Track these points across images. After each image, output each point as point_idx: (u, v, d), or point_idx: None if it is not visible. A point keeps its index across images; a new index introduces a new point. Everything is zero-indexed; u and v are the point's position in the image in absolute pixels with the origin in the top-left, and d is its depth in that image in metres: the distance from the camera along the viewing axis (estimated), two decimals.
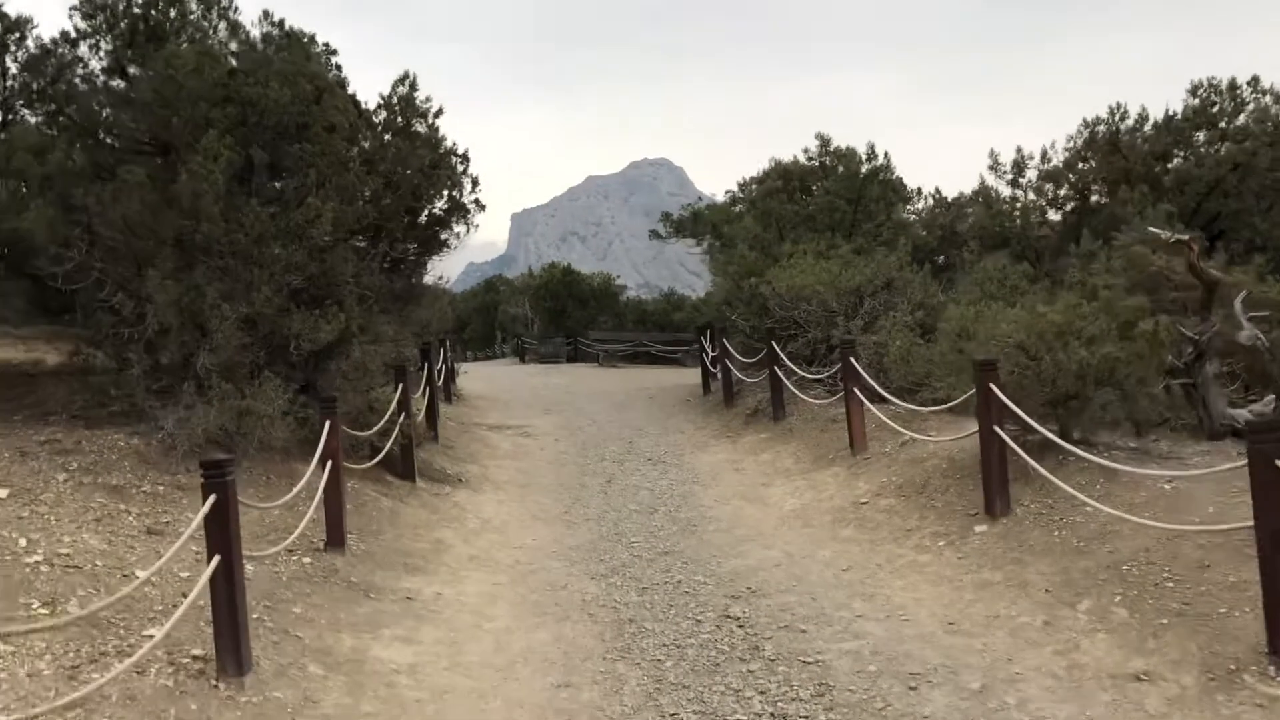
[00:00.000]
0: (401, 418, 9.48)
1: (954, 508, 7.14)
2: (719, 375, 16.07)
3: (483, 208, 10.99)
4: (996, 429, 6.59)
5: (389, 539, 7.79)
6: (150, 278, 7.82)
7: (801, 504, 8.36)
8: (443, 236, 11.19)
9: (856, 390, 8.97)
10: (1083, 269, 8.61)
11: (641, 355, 34.32)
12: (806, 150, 18.86)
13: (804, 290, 12.12)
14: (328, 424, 7.16)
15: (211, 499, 4.67)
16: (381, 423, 8.99)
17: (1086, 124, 14.02)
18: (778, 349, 11.35)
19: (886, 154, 16.41)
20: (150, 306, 8.07)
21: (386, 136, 10.08)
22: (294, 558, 6.78)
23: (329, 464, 7.13)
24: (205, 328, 8.20)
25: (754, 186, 19.38)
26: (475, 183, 10.95)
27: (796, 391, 11.36)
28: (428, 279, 13.97)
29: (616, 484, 10.26)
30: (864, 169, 16.31)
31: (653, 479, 10.35)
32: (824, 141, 18.70)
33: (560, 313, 38.40)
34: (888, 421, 8.75)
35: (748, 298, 13.89)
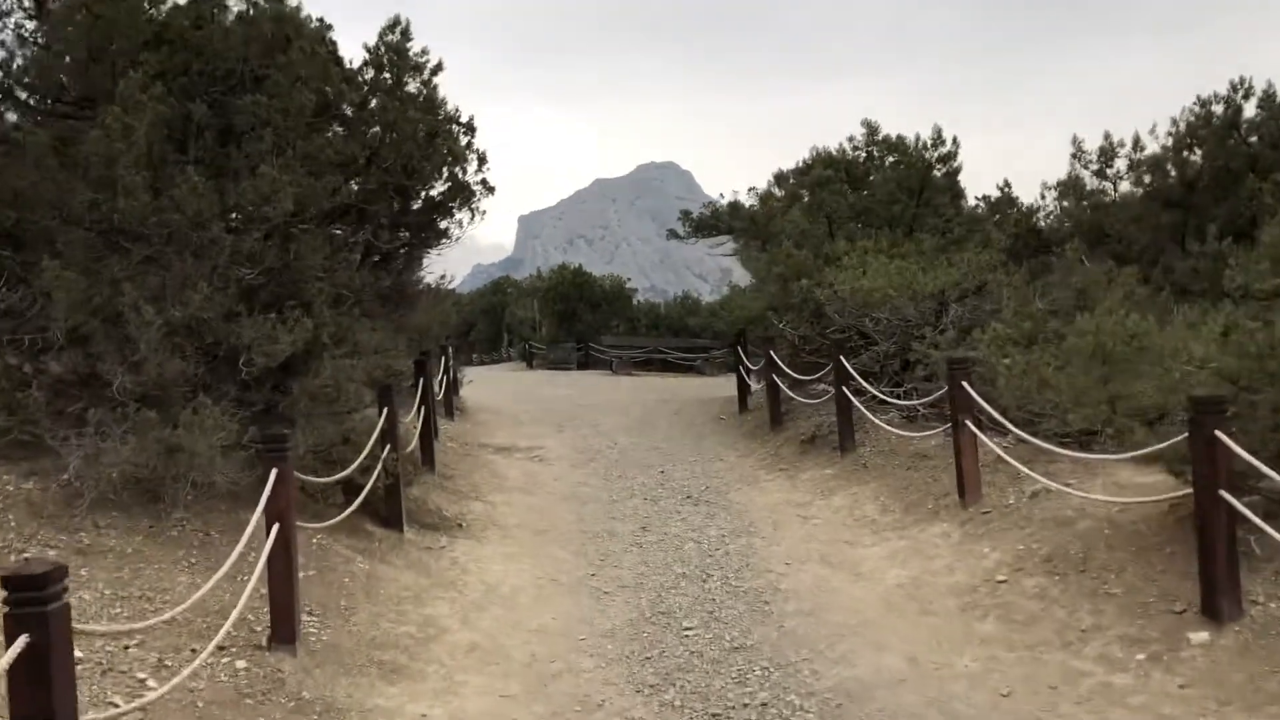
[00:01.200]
0: (386, 450, 7.51)
1: (1143, 599, 5.13)
2: (758, 390, 14.07)
3: (491, 190, 9.03)
4: (1225, 495, 4.60)
5: (363, 620, 5.81)
6: (47, 269, 5.85)
7: (909, 576, 6.35)
8: (442, 225, 9.23)
9: (969, 423, 6.97)
10: (1248, 271, 6.64)
11: (655, 362, 32.31)
12: (852, 139, 16.87)
13: (873, 295, 10.11)
14: (274, 471, 5.16)
15: (21, 641, 2.70)
16: (360, 458, 7.02)
17: (1201, 102, 11.99)
18: (847, 364, 9.34)
19: (955, 139, 14.39)
20: (53, 307, 6.12)
21: (373, 101, 8.10)
22: (224, 661, 4.82)
23: (276, 527, 5.15)
24: (128, 335, 6.25)
25: (792, 179, 17.39)
26: (482, 160, 8.99)
27: (869, 414, 9.37)
28: (427, 277, 12.05)
29: (653, 532, 8.27)
30: (929, 155, 14.29)
31: (697, 525, 8.36)
32: (871, 129, 16.70)
33: (570, 316, 36.38)
34: (1016, 464, 6.74)
35: (798, 303, 11.89)
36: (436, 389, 14.17)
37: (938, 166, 14.30)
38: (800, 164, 16.98)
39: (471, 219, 8.99)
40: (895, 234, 13.07)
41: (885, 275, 10.12)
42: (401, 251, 9.00)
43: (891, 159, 16.18)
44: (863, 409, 9.24)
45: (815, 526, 7.91)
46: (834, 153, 16.21)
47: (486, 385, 22.88)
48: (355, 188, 7.25)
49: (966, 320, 9.66)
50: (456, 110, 8.66)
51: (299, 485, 5.82)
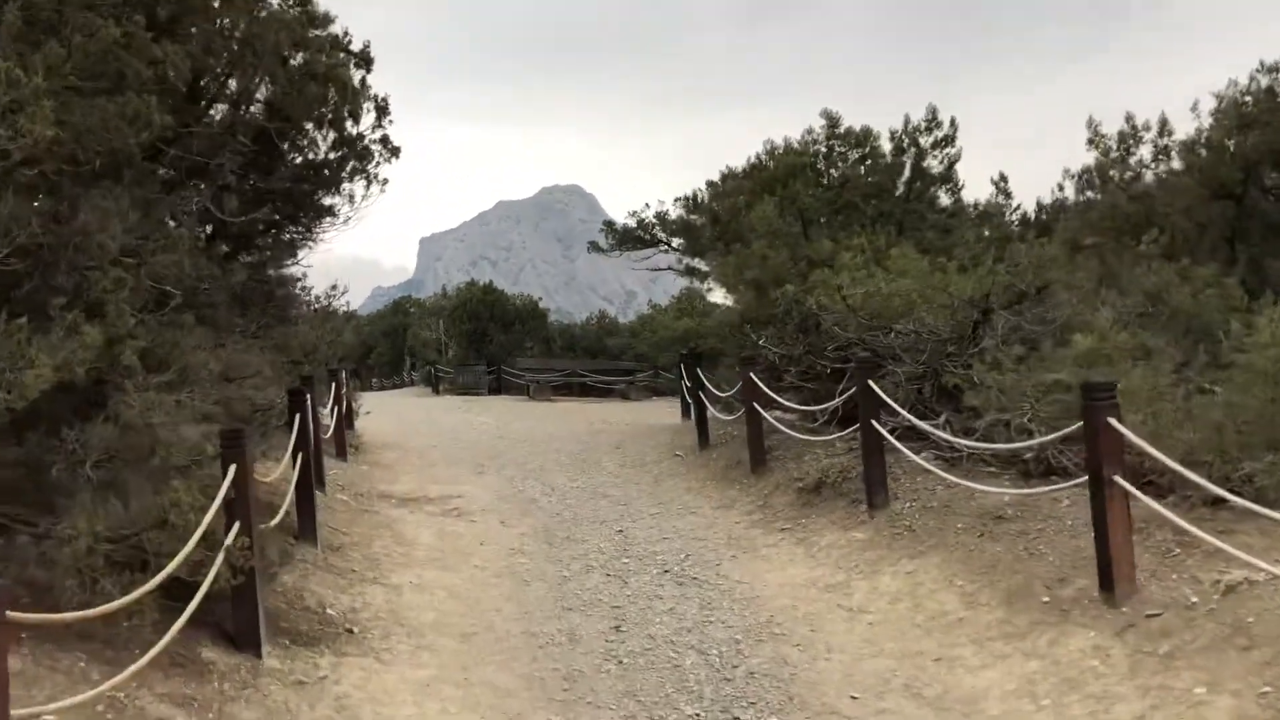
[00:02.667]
0: (234, 531, 4.86)
1: None
2: (720, 423, 11.70)
3: (395, 153, 6.50)
4: None
5: None
6: None
7: None
8: (326, 201, 6.61)
9: (1118, 478, 4.67)
10: None
11: (574, 386, 29.73)
12: (810, 132, 14.74)
13: (890, 302, 7.86)
14: None
15: None
16: (186, 549, 4.38)
17: (1264, 65, 10.12)
18: (879, 391, 7.00)
19: (953, 121, 12.33)
20: None
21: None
22: None
23: None
24: None
25: (744, 176, 15.17)
26: (383, 109, 6.43)
27: (911, 455, 7.05)
28: (309, 280, 9.43)
29: (631, 634, 5.78)
30: (924, 141, 12.20)
31: (693, 622, 5.90)
32: (831, 121, 14.61)
33: (481, 337, 33.50)
34: (1203, 536, 4.47)
35: (780, 314, 9.58)
36: (326, 423, 11.46)
37: (932, 154, 12.26)
38: (756, 159, 14.76)
39: (368, 190, 6.41)
40: (884, 231, 10.89)
41: (915, 277, 7.87)
42: (266, 235, 6.36)
43: (857, 153, 14.11)
44: (912, 454, 6.88)
45: (872, 626, 5.52)
46: (795, 145, 14.04)
47: (388, 415, 20.04)
48: (173, 120, 4.62)
49: (1021, 332, 7.45)
50: (347, 35, 6.12)
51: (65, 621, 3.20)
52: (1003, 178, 12.87)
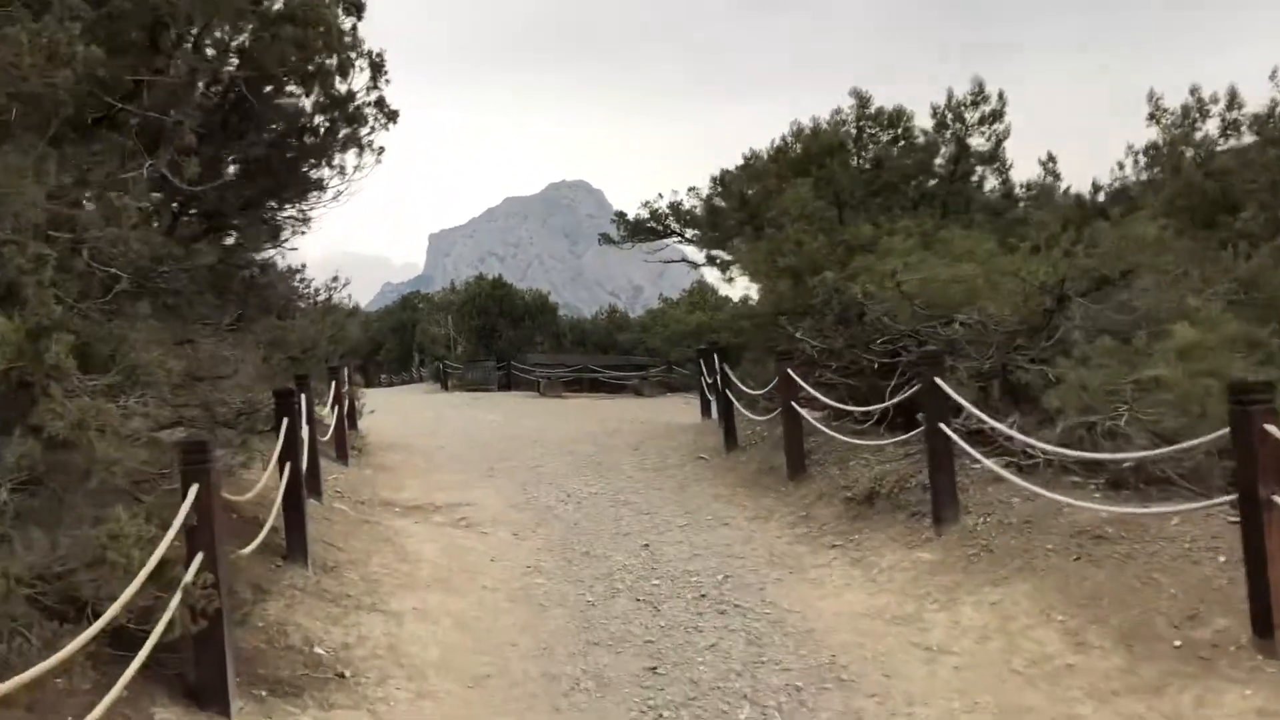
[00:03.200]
0: (195, 566, 4.01)
1: None
2: (747, 422, 10.83)
3: (392, 117, 5.63)
4: None
5: None
6: None
7: None
8: (313, 173, 5.75)
9: None
10: None
11: (585, 382, 28.87)
12: (838, 112, 13.84)
13: (950, 290, 6.97)
14: None
15: None
16: (129, 591, 3.54)
17: None
18: (949, 390, 6.11)
19: (1001, 95, 11.38)
20: None
21: None
22: None
23: None
24: None
25: (769, 158, 14.27)
26: (378, 67, 5.57)
27: (984, 461, 6.17)
28: (308, 273, 8.65)
29: (671, 677, 4.92)
30: (970, 116, 11.29)
31: (741, 662, 5.03)
32: (861, 101, 13.70)
33: (490, 332, 32.66)
34: None
35: (819, 304, 8.70)
36: (326, 424, 10.64)
37: (978, 130, 11.34)
38: (782, 141, 13.85)
39: (361, 160, 5.54)
40: (928, 214, 10.00)
41: (981, 260, 6.98)
42: (244, 212, 5.50)
43: (888, 134, 13.21)
44: (985, 460, 6.00)
45: (959, 672, 4.64)
46: (825, 126, 13.14)
47: (395, 413, 19.24)
48: (104, 55, 3.75)
49: (1099, 322, 6.55)
50: None
51: None
52: (1051, 158, 11.95)
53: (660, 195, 25.19)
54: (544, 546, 7.74)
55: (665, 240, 26.06)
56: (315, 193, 6.34)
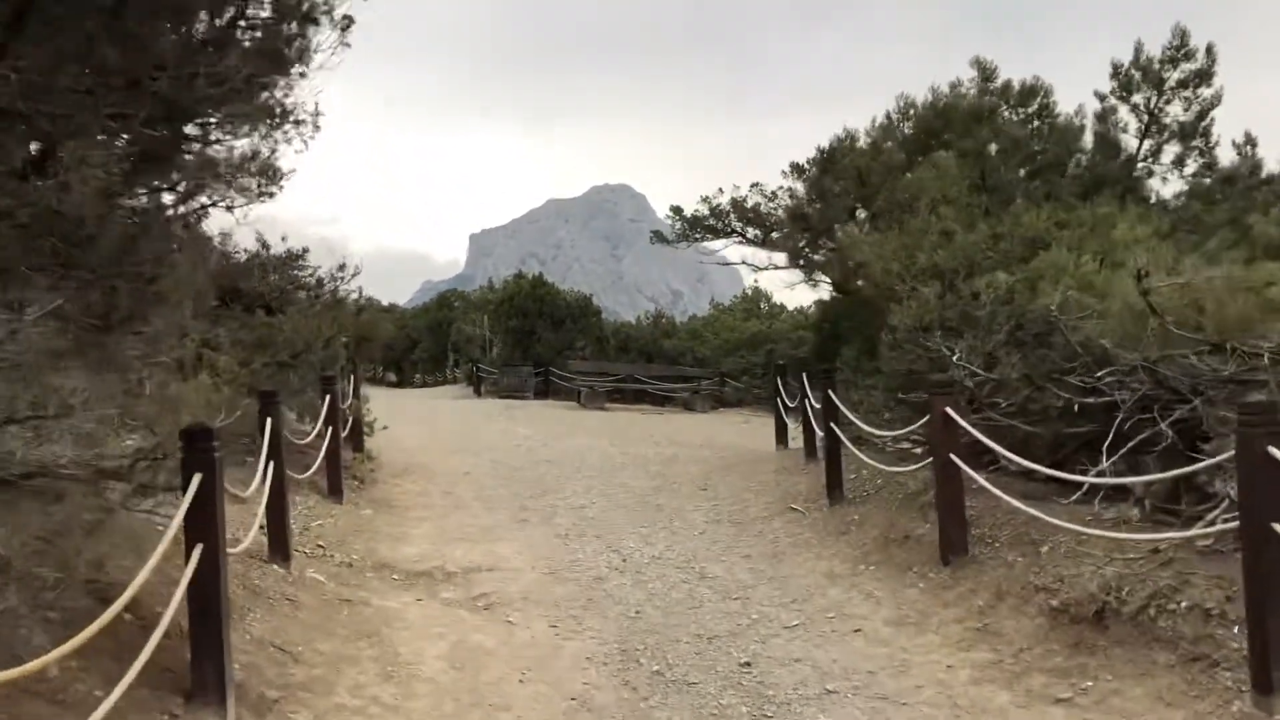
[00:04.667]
0: None
1: None
2: (853, 461, 8.34)
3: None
4: None
5: None
6: None
7: None
8: (259, 78, 3.40)
9: None
10: None
11: (628, 392, 26.42)
12: (956, 84, 11.34)
13: (1247, 305, 4.49)
14: None
15: None
16: None
17: None
18: None
19: (1210, 49, 8.75)
20: None
21: None
22: None
23: None
24: None
25: (876, 133, 11.80)
26: None
27: None
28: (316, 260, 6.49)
29: None
30: (1170, 76, 8.74)
31: None
32: (985, 73, 11.19)
33: (529, 335, 30.28)
34: None
35: (985, 319, 6.23)
36: (319, 448, 8.37)
37: (1179, 93, 8.78)
38: (885, 119, 11.37)
39: (305, 63, 3.17)
40: (1111, 200, 7.49)
41: None
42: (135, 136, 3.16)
43: (1023, 111, 10.69)
44: None
45: None
46: (946, 96, 10.65)
47: (419, 423, 17.00)
48: None
49: None
50: None
51: None
52: (1249, 139, 9.35)
53: (720, 190, 22.82)
54: (595, 654, 5.34)
55: (723, 240, 23.62)
56: (271, 128, 4.01)
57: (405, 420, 17.36)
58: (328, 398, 8.61)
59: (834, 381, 9.48)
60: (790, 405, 12.75)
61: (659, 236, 24.88)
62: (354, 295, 11.36)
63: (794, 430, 12.51)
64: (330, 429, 8.55)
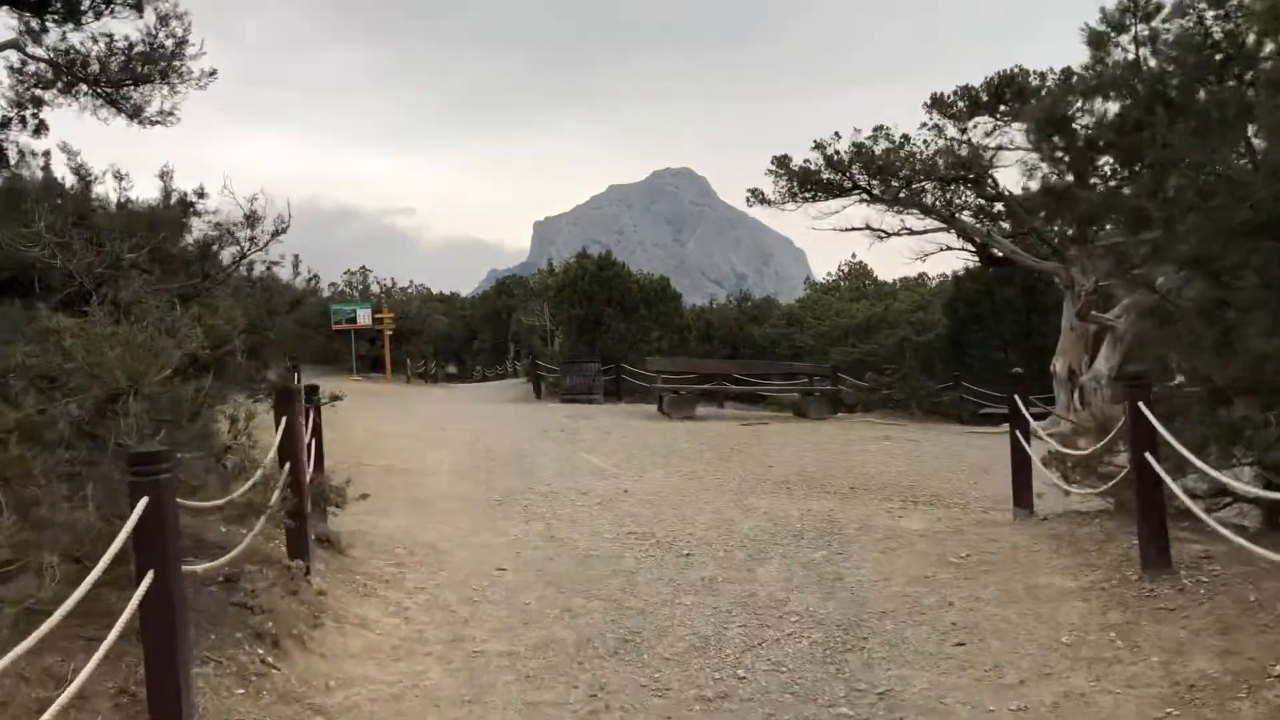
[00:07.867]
0: None
1: None
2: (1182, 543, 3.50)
3: None
4: None
5: None
6: None
7: None
8: None
9: None
10: None
11: (719, 395, 21.62)
12: None
13: None
14: None
15: None
16: None
17: None
18: None
19: None
20: None
21: None
22: None
23: None
24: None
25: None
26: None
27: None
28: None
29: None
30: None
31: None
32: None
33: (595, 324, 25.41)
34: None
35: None
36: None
37: None
38: None
39: None
40: None
41: None
42: None
43: None
44: None
45: None
46: None
47: (460, 443, 12.51)
48: None
49: None
50: None
51: None
52: None
53: (837, 134, 17.87)
54: None
55: (839, 200, 18.70)
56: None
57: (435, 443, 12.87)
58: (283, 424, 3.97)
59: (1148, 393, 5.03)
60: (1024, 432, 7.95)
61: (757, 195, 19.93)
62: (286, 269, 6.74)
63: (1033, 468, 7.73)
64: (291, 489, 3.93)
